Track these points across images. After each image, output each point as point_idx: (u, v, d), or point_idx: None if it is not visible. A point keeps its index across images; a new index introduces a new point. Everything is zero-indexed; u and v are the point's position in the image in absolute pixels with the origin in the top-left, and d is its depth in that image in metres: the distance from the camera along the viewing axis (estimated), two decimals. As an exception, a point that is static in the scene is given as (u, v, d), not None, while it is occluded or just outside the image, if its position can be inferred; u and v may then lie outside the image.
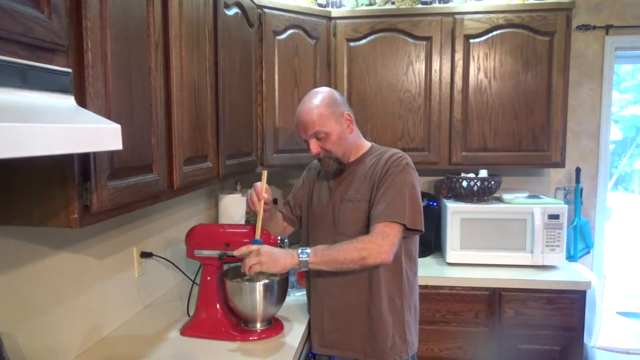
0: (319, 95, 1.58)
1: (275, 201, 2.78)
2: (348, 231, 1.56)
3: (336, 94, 1.62)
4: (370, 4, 2.70)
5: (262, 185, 1.55)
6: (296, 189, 1.83)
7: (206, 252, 1.58)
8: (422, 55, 2.42)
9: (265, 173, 1.58)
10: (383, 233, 1.45)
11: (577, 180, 2.65)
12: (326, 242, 1.56)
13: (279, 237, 1.58)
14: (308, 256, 1.43)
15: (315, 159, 1.68)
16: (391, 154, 1.57)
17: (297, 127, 1.61)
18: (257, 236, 1.50)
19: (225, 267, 1.67)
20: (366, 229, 1.53)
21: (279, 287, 1.59)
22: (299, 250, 1.44)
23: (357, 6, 2.69)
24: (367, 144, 1.68)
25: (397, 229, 1.47)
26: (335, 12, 2.46)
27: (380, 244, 1.44)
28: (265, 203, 1.56)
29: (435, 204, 2.61)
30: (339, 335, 1.61)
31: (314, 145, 1.58)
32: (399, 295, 1.58)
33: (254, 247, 1.43)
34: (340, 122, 1.57)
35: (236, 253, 1.44)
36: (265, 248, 1.43)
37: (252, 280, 1.61)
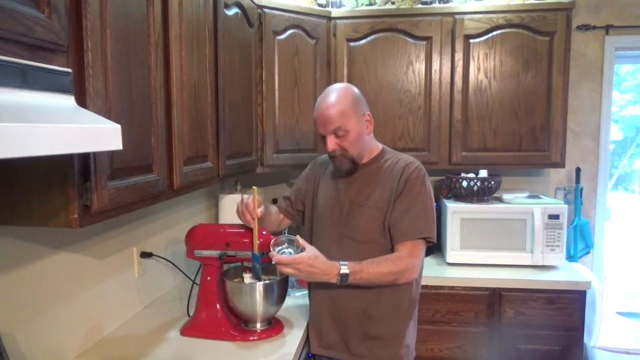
0: (343, 92, 1.51)
1: (275, 201, 2.77)
2: (356, 235, 1.55)
3: (358, 92, 1.56)
4: (370, 4, 2.70)
5: (254, 202, 1.48)
6: (299, 184, 1.78)
7: (206, 252, 1.58)
8: (422, 55, 2.42)
9: (255, 189, 1.52)
10: (411, 253, 1.48)
11: (577, 180, 2.65)
12: (330, 242, 1.55)
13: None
14: (348, 279, 1.40)
15: (326, 155, 1.63)
16: (407, 164, 1.56)
17: (316, 120, 1.52)
18: (255, 251, 1.49)
19: (225, 267, 1.67)
20: (375, 235, 1.53)
21: (279, 287, 1.59)
22: (340, 270, 1.39)
23: (357, 6, 2.69)
24: (379, 146, 1.65)
25: (422, 245, 1.52)
26: (335, 12, 2.46)
27: (412, 264, 1.48)
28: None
29: (435, 204, 2.60)
30: (337, 336, 1.60)
31: (332, 142, 1.51)
32: (405, 299, 1.57)
33: (286, 258, 1.36)
34: (361, 122, 1.53)
35: (275, 260, 1.37)
36: (305, 263, 1.36)
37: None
